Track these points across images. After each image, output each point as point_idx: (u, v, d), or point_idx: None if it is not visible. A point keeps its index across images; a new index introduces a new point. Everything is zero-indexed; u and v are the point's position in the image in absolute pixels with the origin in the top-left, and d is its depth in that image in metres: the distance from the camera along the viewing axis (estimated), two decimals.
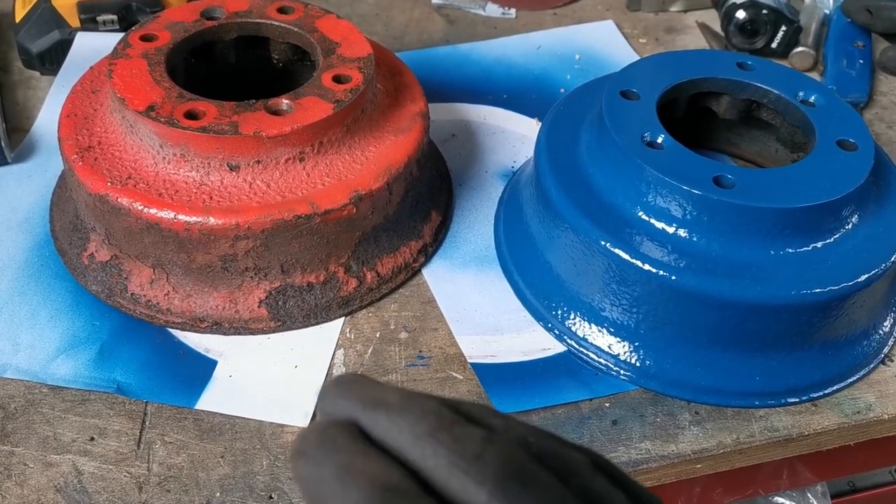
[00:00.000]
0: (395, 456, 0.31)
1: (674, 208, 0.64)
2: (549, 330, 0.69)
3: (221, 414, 0.63)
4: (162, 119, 0.64)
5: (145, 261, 0.67)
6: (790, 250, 0.63)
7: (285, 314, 0.68)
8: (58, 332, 0.67)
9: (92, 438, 0.61)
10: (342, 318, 0.69)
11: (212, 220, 0.63)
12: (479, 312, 0.70)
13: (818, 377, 0.66)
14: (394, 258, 0.72)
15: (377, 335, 0.69)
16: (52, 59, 0.90)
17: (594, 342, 0.67)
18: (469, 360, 0.67)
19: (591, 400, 0.65)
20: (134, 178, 0.65)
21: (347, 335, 0.69)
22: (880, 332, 0.69)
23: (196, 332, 0.68)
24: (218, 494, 0.58)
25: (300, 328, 0.68)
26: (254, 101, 0.66)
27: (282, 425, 0.62)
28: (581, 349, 0.67)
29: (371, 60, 0.71)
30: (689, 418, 0.64)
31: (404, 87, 0.76)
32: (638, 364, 0.65)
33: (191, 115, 0.65)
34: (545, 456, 0.32)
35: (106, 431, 0.61)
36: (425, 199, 0.76)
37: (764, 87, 0.74)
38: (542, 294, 0.70)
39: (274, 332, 0.68)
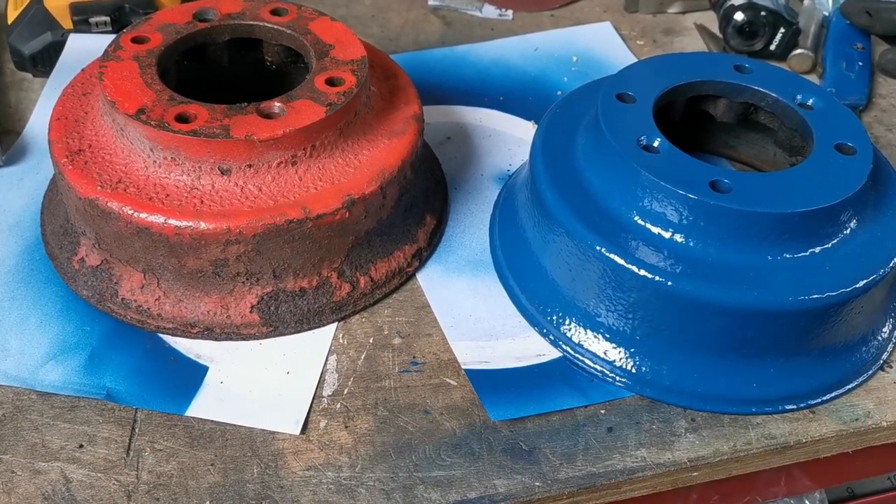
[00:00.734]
0: None
1: (670, 213, 0.63)
2: (545, 335, 0.68)
3: (212, 421, 0.62)
4: (152, 122, 0.63)
5: (136, 265, 0.66)
6: (788, 255, 0.63)
7: (277, 319, 0.67)
8: (47, 337, 0.66)
9: (81, 446, 0.60)
10: (335, 324, 0.69)
11: (203, 225, 0.62)
12: (473, 318, 0.70)
13: (816, 384, 0.65)
14: (387, 263, 0.71)
15: (370, 341, 0.68)
16: (44, 61, 0.89)
17: (590, 348, 0.66)
18: (463, 367, 0.66)
19: (586, 407, 0.64)
20: (124, 181, 0.64)
21: (340, 341, 0.68)
22: (879, 338, 0.68)
23: (187, 337, 0.67)
24: (208, 503, 0.57)
25: (292, 334, 0.68)
26: (245, 104, 0.65)
27: (273, 433, 0.61)
28: (576, 355, 0.66)
29: (365, 63, 0.70)
30: (686, 425, 0.63)
31: (398, 89, 0.75)
32: (634, 370, 0.65)
33: (182, 119, 0.64)
34: None
35: (95, 439, 0.61)
36: (420, 203, 0.75)
37: (762, 90, 0.73)
38: (537, 299, 0.69)
39: (266, 337, 0.67)
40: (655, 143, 0.66)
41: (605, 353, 0.65)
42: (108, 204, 0.63)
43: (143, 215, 0.63)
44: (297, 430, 0.61)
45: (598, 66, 0.97)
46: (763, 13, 0.96)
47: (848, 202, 0.63)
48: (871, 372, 0.67)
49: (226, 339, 0.67)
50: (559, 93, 0.93)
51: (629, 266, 0.62)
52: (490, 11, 1.05)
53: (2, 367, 0.64)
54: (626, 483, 0.60)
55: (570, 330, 0.67)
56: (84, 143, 0.67)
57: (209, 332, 0.67)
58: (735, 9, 0.96)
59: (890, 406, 0.65)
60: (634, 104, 0.70)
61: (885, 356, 0.68)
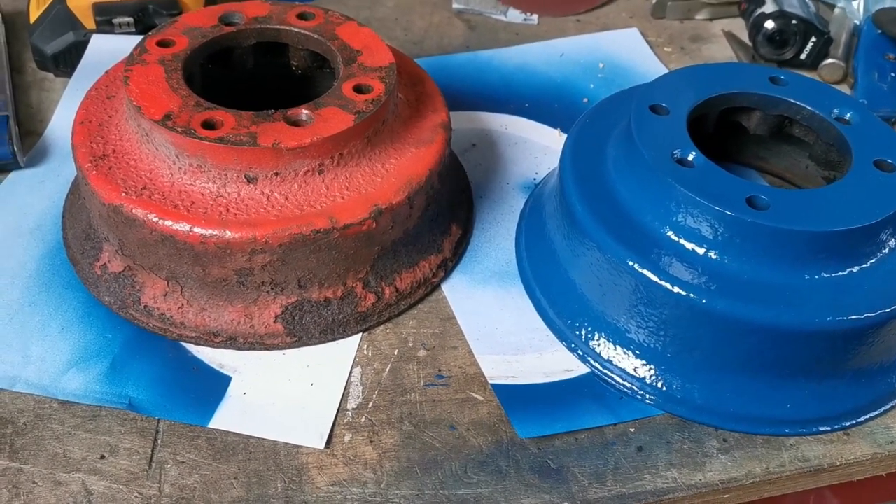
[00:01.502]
0: None
1: (705, 229, 0.62)
2: (573, 351, 0.67)
3: (235, 433, 0.61)
4: (179, 129, 0.62)
5: (159, 273, 0.65)
6: (825, 275, 0.61)
7: (301, 330, 0.66)
8: (69, 344, 0.65)
9: (102, 456, 0.59)
10: (359, 335, 0.68)
11: (228, 234, 0.61)
12: (499, 331, 0.68)
13: (851, 405, 0.64)
14: (413, 273, 0.70)
15: (395, 352, 0.67)
16: (66, 61, 0.88)
17: (619, 364, 0.65)
18: (490, 381, 0.65)
19: (615, 425, 0.63)
20: (149, 188, 0.63)
21: (365, 352, 0.67)
22: None
23: (210, 346, 0.66)
24: None
25: (316, 344, 0.67)
26: (273, 111, 0.64)
27: (297, 446, 0.60)
28: (605, 371, 0.65)
29: (393, 70, 0.69)
30: (717, 446, 0.62)
31: (426, 96, 0.74)
32: (664, 388, 0.63)
33: (208, 125, 0.63)
34: None
35: (117, 449, 0.60)
36: (445, 213, 0.74)
37: (798, 103, 0.71)
38: (565, 313, 0.68)
39: (290, 347, 0.66)
40: (690, 157, 0.65)
41: (635, 370, 0.64)
42: (133, 211, 0.62)
43: (167, 223, 0.62)
44: (321, 445, 0.60)
45: (625, 73, 0.95)
46: (794, 22, 0.94)
47: (888, 221, 0.62)
48: None
49: (249, 349, 0.66)
50: (585, 100, 0.91)
51: (662, 283, 0.61)
52: (515, 16, 1.03)
53: (23, 374, 0.63)
54: None
55: (599, 345, 0.66)
56: (108, 147, 0.67)
57: (232, 341, 0.66)
58: (766, 17, 0.95)
59: None
60: (668, 116, 0.68)
61: None
